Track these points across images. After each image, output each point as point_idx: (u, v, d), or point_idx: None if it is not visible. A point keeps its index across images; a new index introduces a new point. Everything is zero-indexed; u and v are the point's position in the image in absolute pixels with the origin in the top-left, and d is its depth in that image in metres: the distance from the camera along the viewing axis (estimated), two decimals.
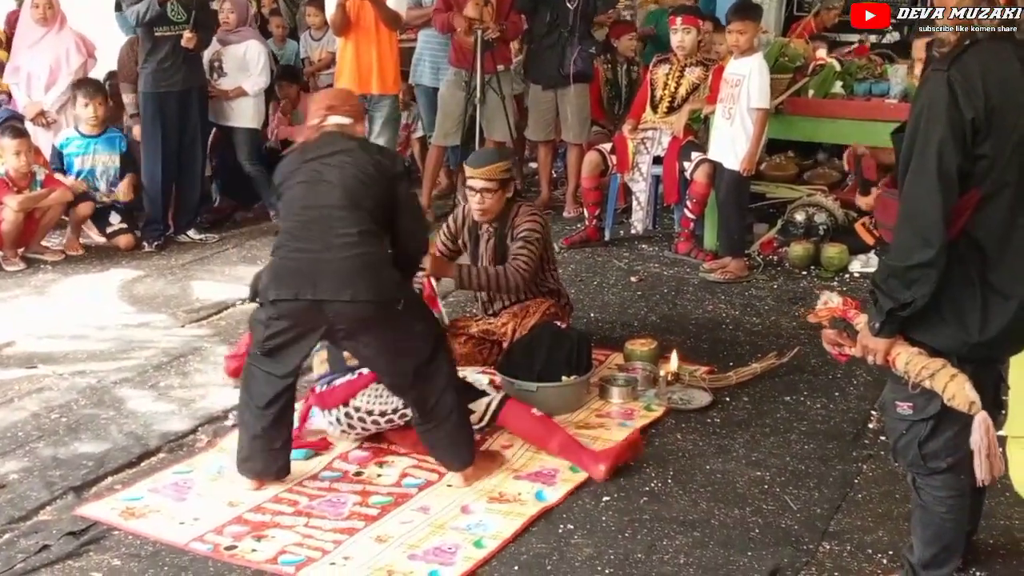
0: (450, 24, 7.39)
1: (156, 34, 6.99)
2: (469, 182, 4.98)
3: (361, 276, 3.70)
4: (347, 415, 4.20)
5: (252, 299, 4.03)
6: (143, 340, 5.53)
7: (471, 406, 4.16)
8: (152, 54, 7.04)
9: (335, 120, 3.99)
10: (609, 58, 8.43)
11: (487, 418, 4.19)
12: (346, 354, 4.15)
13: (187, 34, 6.97)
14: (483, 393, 4.23)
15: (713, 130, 6.51)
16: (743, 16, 6.19)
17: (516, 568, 3.47)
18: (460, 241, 5.15)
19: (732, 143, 6.25)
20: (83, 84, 7.22)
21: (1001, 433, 3.25)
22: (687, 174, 6.65)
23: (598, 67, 8.38)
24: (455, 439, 3.97)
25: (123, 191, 7.20)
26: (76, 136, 7.15)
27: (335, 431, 4.29)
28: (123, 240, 7.24)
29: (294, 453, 4.23)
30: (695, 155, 6.60)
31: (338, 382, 4.21)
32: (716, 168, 6.43)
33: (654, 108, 6.92)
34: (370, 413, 4.17)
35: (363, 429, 4.23)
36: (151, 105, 7.13)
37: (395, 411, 4.13)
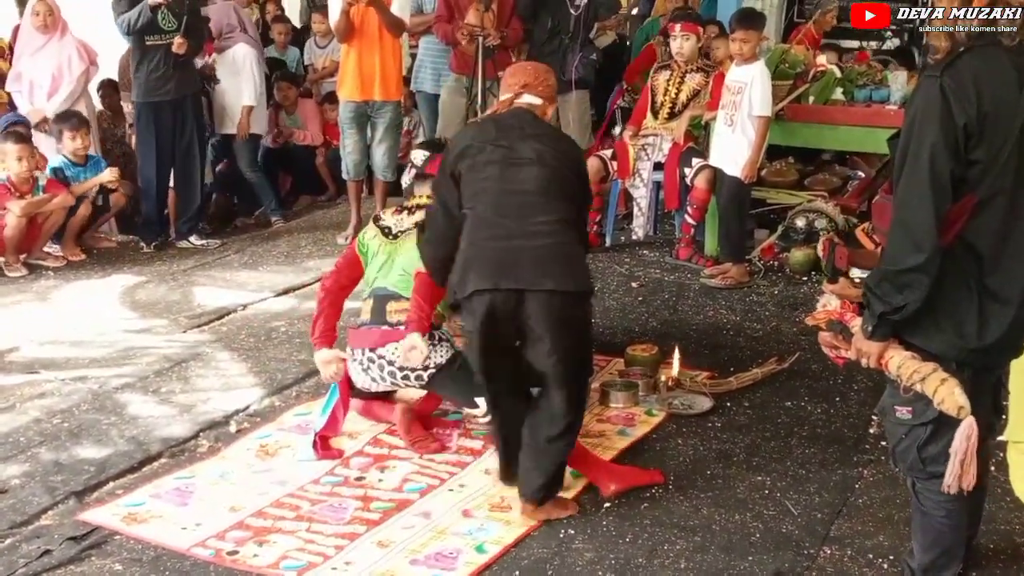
0: (453, 36, 7.40)
1: (147, 43, 7.02)
2: None
3: (560, 265, 3.57)
4: (371, 359, 4.27)
5: (453, 307, 3.80)
6: (144, 346, 5.54)
7: (479, 400, 4.18)
8: (143, 63, 7.07)
9: (528, 99, 3.88)
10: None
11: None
12: (389, 309, 4.25)
13: (178, 39, 6.99)
14: None
15: (714, 137, 6.52)
16: (747, 25, 6.20)
17: (517, 573, 3.47)
18: None
19: (733, 150, 6.25)
20: (68, 118, 7.19)
21: (1002, 438, 3.26)
22: (688, 180, 6.65)
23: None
24: (547, 461, 3.72)
25: (107, 176, 7.19)
26: (66, 164, 7.15)
27: (355, 370, 4.34)
28: (114, 198, 7.35)
29: (301, 454, 4.28)
30: (696, 161, 6.60)
31: (374, 328, 4.28)
32: (717, 174, 6.43)
33: (655, 114, 6.93)
34: (392, 363, 4.23)
35: (380, 378, 4.29)
36: (145, 114, 7.18)
37: (412, 369, 4.18)
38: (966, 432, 2.81)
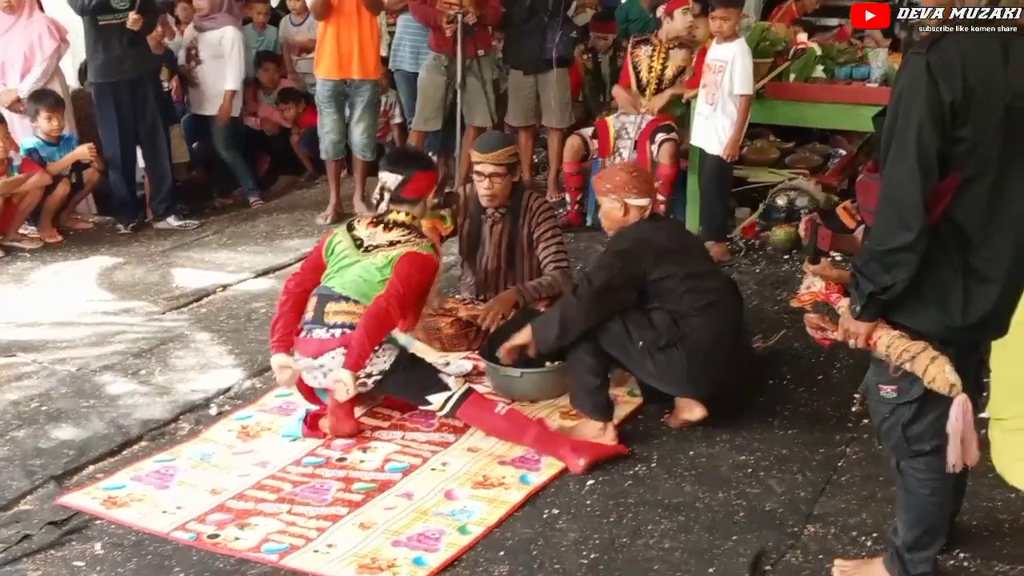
0: (430, 16, 7.35)
1: (100, 23, 6.94)
2: (478, 167, 4.96)
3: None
4: (315, 367, 4.21)
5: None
6: (123, 327, 5.50)
7: (429, 398, 4.17)
8: (99, 44, 7.00)
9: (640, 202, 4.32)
10: (589, 47, 8.48)
11: (446, 410, 4.17)
12: (327, 310, 4.18)
13: (132, 15, 6.91)
14: (445, 387, 4.18)
15: (695, 116, 6.49)
16: (727, 3, 6.16)
17: (501, 553, 3.46)
18: (458, 223, 5.16)
19: (715, 129, 6.23)
20: (44, 97, 7.12)
21: (983, 415, 3.26)
22: (654, 156, 6.62)
23: (576, 58, 8.41)
24: None
25: (84, 152, 7.15)
26: (39, 143, 7.09)
27: (306, 377, 4.29)
28: (88, 174, 7.30)
29: (285, 429, 4.31)
30: (659, 136, 6.56)
31: (314, 334, 4.20)
32: (700, 152, 6.40)
33: (642, 91, 6.88)
34: (333, 371, 4.14)
35: (328, 384, 4.21)
36: (104, 95, 7.12)
37: (369, 376, 4.14)
38: (960, 409, 2.80)
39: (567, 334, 4.12)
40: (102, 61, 7.02)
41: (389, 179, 4.37)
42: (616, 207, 4.27)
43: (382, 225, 4.34)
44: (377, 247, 4.27)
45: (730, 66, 6.11)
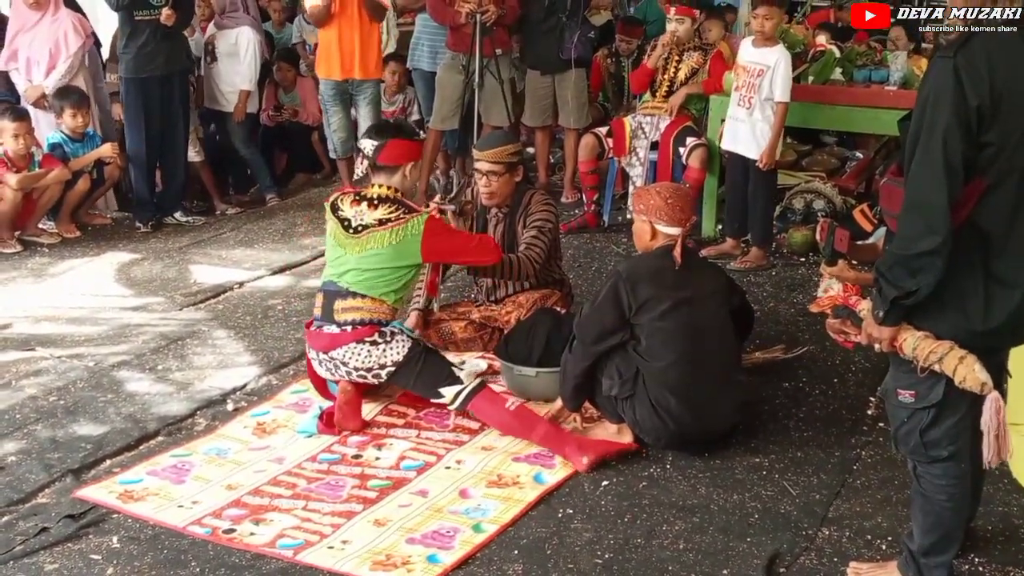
0: (449, 16, 7.36)
1: (136, 18, 6.97)
2: (476, 164, 5.00)
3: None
4: (327, 360, 4.25)
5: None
6: (141, 323, 5.52)
7: (442, 390, 4.20)
8: (132, 39, 7.01)
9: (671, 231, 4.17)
10: (612, 50, 8.48)
11: (456, 404, 4.20)
12: (336, 308, 4.20)
13: (166, 11, 6.94)
14: (458, 380, 4.20)
15: (729, 120, 6.38)
16: (769, 1, 6.11)
17: (516, 552, 3.47)
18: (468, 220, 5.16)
19: (754, 133, 6.12)
20: (69, 94, 7.15)
21: None
22: (682, 159, 6.61)
23: (599, 61, 8.41)
24: None
25: (107, 151, 7.19)
26: (64, 139, 7.13)
27: (318, 368, 4.33)
28: (108, 170, 7.36)
29: (301, 426, 4.31)
30: (690, 140, 6.54)
31: (325, 330, 4.23)
32: (739, 157, 6.32)
33: (653, 93, 6.88)
34: (346, 364, 4.19)
35: (341, 375, 4.25)
36: (133, 90, 7.12)
37: (369, 369, 4.17)
38: (994, 407, 2.79)
39: (574, 378, 4.15)
40: (133, 55, 7.04)
41: (367, 145, 4.40)
42: (645, 228, 4.14)
43: (366, 202, 4.30)
44: (366, 227, 4.23)
45: (772, 72, 5.98)
